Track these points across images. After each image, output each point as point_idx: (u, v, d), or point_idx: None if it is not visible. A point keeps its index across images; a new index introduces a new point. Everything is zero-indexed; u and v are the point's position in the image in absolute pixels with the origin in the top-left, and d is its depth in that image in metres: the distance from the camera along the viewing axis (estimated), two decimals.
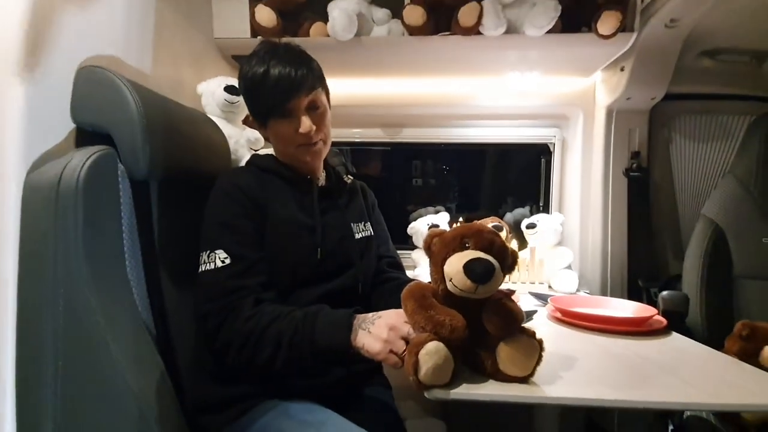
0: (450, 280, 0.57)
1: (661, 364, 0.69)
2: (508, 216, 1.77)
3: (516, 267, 0.63)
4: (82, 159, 0.61)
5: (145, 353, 0.63)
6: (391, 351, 0.61)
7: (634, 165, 1.38)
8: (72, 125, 0.71)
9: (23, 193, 0.61)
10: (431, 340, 0.54)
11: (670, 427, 1.09)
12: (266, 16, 1.12)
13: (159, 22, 0.94)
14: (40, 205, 0.60)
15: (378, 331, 0.63)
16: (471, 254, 0.57)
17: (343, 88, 1.36)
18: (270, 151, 0.92)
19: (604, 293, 1.40)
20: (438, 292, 0.61)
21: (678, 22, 1.08)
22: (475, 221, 0.67)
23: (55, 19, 0.66)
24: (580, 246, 1.47)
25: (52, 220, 0.59)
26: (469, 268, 0.55)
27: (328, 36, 1.15)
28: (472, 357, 0.60)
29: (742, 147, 1.21)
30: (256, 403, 0.72)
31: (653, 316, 0.89)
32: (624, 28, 1.08)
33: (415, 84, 1.45)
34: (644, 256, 1.38)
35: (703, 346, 0.79)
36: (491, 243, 0.59)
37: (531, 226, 1.42)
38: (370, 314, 0.67)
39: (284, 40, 0.84)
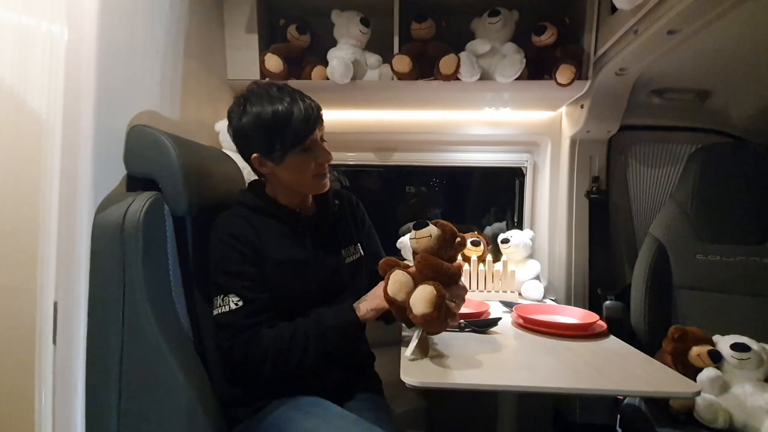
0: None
1: (598, 361, 0.88)
2: (488, 230, 1.97)
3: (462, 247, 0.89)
4: (141, 203, 0.78)
5: (189, 356, 0.80)
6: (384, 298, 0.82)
7: (594, 188, 1.58)
8: (123, 173, 0.88)
9: (93, 231, 0.78)
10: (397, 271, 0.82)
11: (618, 416, 1.29)
12: (274, 63, 1.29)
13: (185, 72, 1.11)
14: (108, 240, 0.76)
15: (374, 293, 0.88)
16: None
17: (340, 117, 1.55)
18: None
19: (568, 300, 1.60)
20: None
21: (626, 71, 1.27)
22: None
23: (113, 86, 0.83)
24: (549, 258, 1.66)
25: (119, 253, 0.76)
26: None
27: (328, 79, 1.33)
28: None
29: (682, 175, 1.42)
30: (271, 400, 0.88)
31: (596, 322, 1.08)
32: (579, 76, 1.28)
33: (404, 114, 1.63)
34: (603, 268, 1.58)
35: (632, 347, 0.98)
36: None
37: (505, 240, 1.61)
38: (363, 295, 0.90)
39: (289, 82, 0.96)
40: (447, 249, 0.85)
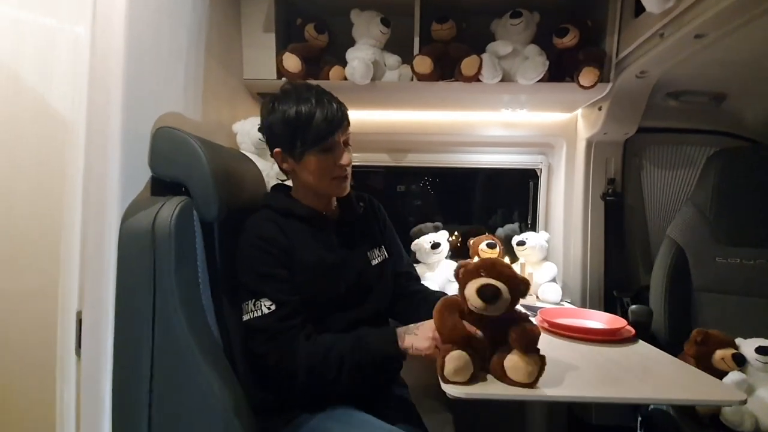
0: (468, 301, 0.75)
1: (630, 367, 0.87)
2: (500, 231, 1.96)
3: (528, 291, 0.78)
4: (171, 209, 0.76)
5: (222, 364, 0.78)
6: (436, 347, 0.77)
7: (610, 190, 1.58)
8: (148, 176, 0.85)
9: (120, 237, 0.75)
10: (455, 351, 0.71)
11: (639, 419, 1.28)
12: (293, 62, 1.27)
13: (206, 73, 1.08)
14: (138, 247, 0.74)
15: (424, 332, 0.80)
16: (483, 281, 0.74)
17: (354, 116, 1.51)
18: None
19: (583, 303, 1.60)
20: (465, 309, 0.78)
21: (647, 74, 1.27)
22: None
23: (139, 87, 0.81)
24: (563, 261, 1.66)
25: (149, 260, 0.73)
26: (480, 291, 0.73)
27: (346, 79, 1.31)
28: (486, 363, 0.78)
29: (700, 178, 1.42)
30: (304, 409, 0.86)
31: (624, 326, 1.07)
32: (601, 79, 1.27)
33: (419, 115, 1.62)
34: (618, 270, 1.58)
35: (664, 353, 0.97)
36: (500, 273, 0.76)
37: (521, 243, 1.60)
38: (412, 324, 0.84)
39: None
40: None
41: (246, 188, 1.03)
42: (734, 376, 1.08)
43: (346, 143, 0.92)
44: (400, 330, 0.83)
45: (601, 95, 1.33)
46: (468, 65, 1.24)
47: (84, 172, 0.73)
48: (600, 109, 1.45)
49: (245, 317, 0.84)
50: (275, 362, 0.82)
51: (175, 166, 0.83)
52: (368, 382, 0.87)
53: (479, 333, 0.76)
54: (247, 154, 1.20)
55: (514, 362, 0.73)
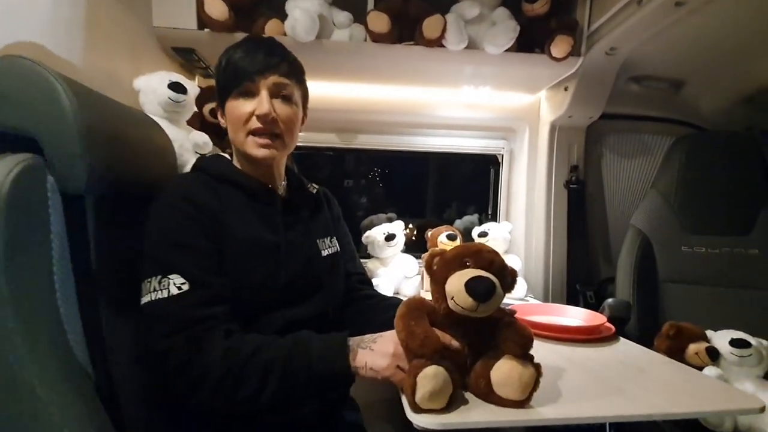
0: (452, 299, 0.56)
1: (626, 373, 0.74)
2: (458, 223, 1.82)
3: (515, 284, 0.63)
4: (3, 171, 0.49)
5: (84, 401, 0.53)
6: (397, 367, 0.58)
7: (573, 178, 1.49)
8: None
9: None
10: (431, 364, 0.52)
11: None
12: (218, 8, 1.02)
13: (92, 6, 0.81)
14: None
15: (383, 347, 0.60)
16: (472, 272, 0.56)
17: None
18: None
19: (546, 297, 1.50)
20: (439, 310, 0.59)
21: (616, 51, 1.18)
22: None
23: None
24: (525, 253, 1.55)
25: None
26: (470, 286, 0.55)
27: (285, 35, 1.09)
28: (466, 377, 0.59)
29: (663, 165, 1.37)
30: None
31: (603, 323, 0.96)
32: (572, 53, 1.16)
33: (371, 90, 1.42)
34: (581, 262, 1.50)
35: (653, 352, 0.87)
36: (491, 262, 0.59)
37: (483, 234, 1.46)
38: (368, 335, 0.63)
39: (237, 36, 0.78)
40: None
41: (146, 158, 0.77)
42: (710, 371, 1.01)
43: (278, 95, 0.74)
44: (352, 341, 0.63)
45: (571, 71, 1.22)
46: (430, 26, 1.07)
47: None
48: (566, 89, 1.35)
49: (144, 299, 0.62)
50: (176, 362, 0.59)
51: (21, 110, 0.56)
52: (299, 405, 0.65)
53: (456, 344, 0.58)
54: (155, 118, 0.93)
55: (503, 373, 0.55)
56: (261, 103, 0.71)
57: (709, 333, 1.09)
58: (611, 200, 1.60)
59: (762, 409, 0.61)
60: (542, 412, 0.56)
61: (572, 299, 1.48)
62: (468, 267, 0.58)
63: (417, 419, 0.53)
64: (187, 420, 0.65)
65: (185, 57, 1.16)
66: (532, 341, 0.57)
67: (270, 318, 0.71)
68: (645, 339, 1.16)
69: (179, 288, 0.62)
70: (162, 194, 0.70)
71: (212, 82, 1.28)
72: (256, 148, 0.73)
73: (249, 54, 0.72)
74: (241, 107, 0.72)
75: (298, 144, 1.49)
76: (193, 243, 0.66)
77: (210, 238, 0.67)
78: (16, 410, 0.47)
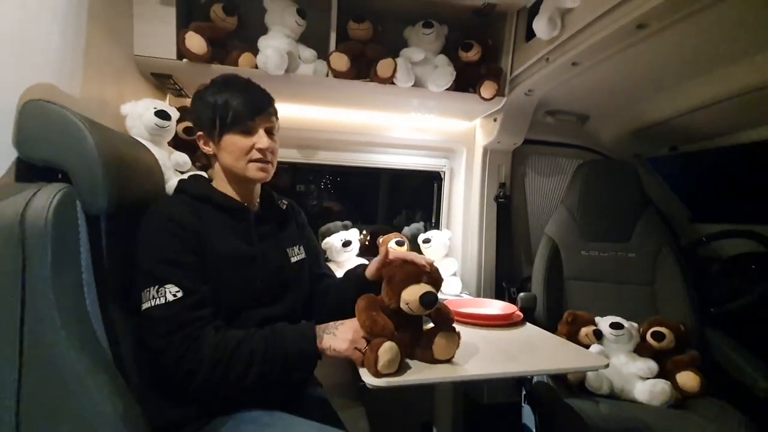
0: (407, 303, 0.78)
1: (520, 346, 0.99)
2: (406, 230, 2.05)
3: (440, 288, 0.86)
4: (47, 199, 0.62)
5: (114, 380, 0.66)
6: (355, 348, 0.77)
7: (501, 193, 1.77)
8: (12, 158, 0.69)
9: None
10: (386, 342, 0.73)
11: (524, 392, 1.47)
12: (197, 43, 1.15)
13: (88, 41, 0.92)
14: (1, 244, 0.60)
15: (343, 333, 0.79)
16: (425, 288, 0.79)
17: None
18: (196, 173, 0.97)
19: (479, 293, 1.76)
20: (387, 305, 0.80)
21: (533, 92, 1.46)
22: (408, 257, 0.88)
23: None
24: (462, 256, 1.81)
25: (16, 259, 0.59)
26: (423, 299, 0.77)
27: (257, 68, 1.24)
28: (410, 352, 0.82)
29: (569, 185, 1.68)
30: (210, 419, 0.79)
31: (515, 312, 1.21)
32: (498, 93, 1.42)
33: (331, 113, 1.61)
34: (507, 263, 1.78)
35: (545, 332, 1.13)
36: (437, 280, 0.82)
37: (426, 240, 1.70)
38: (331, 323, 0.82)
39: (213, 67, 0.95)
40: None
41: (140, 178, 0.91)
42: (594, 348, 1.31)
43: (269, 131, 0.92)
44: (318, 328, 0.81)
45: (497, 107, 1.48)
46: (384, 67, 1.28)
47: None
48: (495, 120, 1.62)
49: (145, 305, 0.75)
50: (176, 356, 0.73)
51: (50, 147, 0.69)
52: (279, 383, 0.82)
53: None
54: (140, 140, 1.05)
55: (441, 344, 0.79)
56: (261, 139, 0.88)
57: (597, 319, 1.40)
58: (532, 212, 1.91)
59: (606, 366, 0.87)
60: (461, 371, 0.79)
61: (499, 294, 1.76)
62: (422, 282, 0.80)
63: (377, 382, 0.73)
64: (180, 395, 0.79)
65: (162, 81, 1.28)
66: (453, 317, 0.84)
67: (248, 315, 0.86)
68: (552, 324, 1.45)
69: (174, 295, 0.75)
70: (150, 215, 0.82)
71: (183, 101, 1.43)
72: (256, 171, 0.90)
73: (245, 99, 0.87)
74: (241, 142, 0.88)
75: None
76: (182, 258, 0.79)
77: (194, 253, 0.80)
78: (65, 390, 0.61)
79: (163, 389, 0.79)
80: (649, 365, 1.26)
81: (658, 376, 1.26)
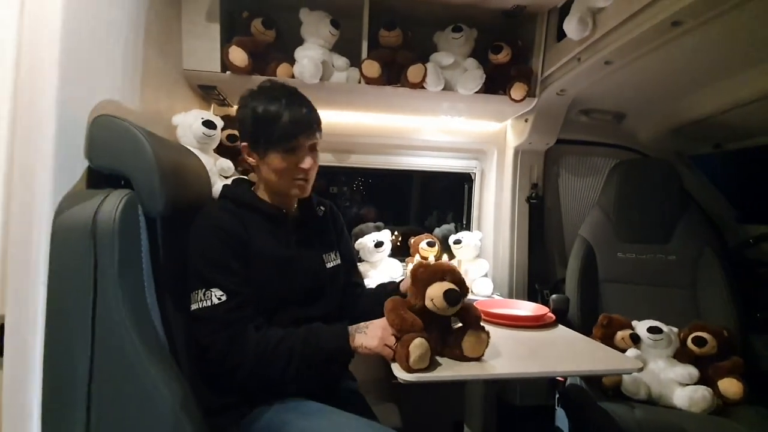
0: (431, 300, 0.80)
1: (553, 347, 0.99)
2: (437, 231, 2.07)
3: (466, 297, 0.87)
4: (114, 202, 0.71)
5: (167, 363, 0.74)
6: (385, 345, 0.81)
7: (534, 194, 1.76)
8: (83, 167, 0.78)
9: (54, 233, 0.68)
10: (417, 338, 0.77)
11: (557, 395, 1.45)
12: (239, 56, 1.23)
13: (144, 60, 1.02)
14: (75, 243, 0.68)
15: (373, 331, 0.83)
16: (448, 285, 0.81)
17: None
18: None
19: (510, 294, 1.76)
20: (413, 305, 0.83)
21: (565, 92, 1.45)
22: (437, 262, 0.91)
23: (75, 71, 0.74)
24: (493, 257, 1.81)
25: (89, 257, 0.68)
26: (447, 295, 0.80)
27: (293, 77, 1.31)
28: (439, 350, 0.85)
29: (604, 185, 1.65)
30: (255, 405, 0.86)
31: (546, 313, 1.21)
32: (528, 94, 1.42)
33: (364, 117, 1.66)
34: (539, 265, 1.76)
35: (579, 334, 1.12)
36: (459, 280, 0.84)
37: (457, 242, 1.71)
38: (362, 323, 0.86)
39: (254, 78, 0.98)
40: None
41: (191, 183, 0.99)
42: (631, 352, 1.29)
43: (313, 148, 0.94)
44: (351, 328, 0.86)
45: (528, 108, 1.48)
46: (414, 73, 1.31)
47: (10, 163, 0.66)
48: (526, 121, 1.61)
49: (193, 306, 0.82)
50: (221, 352, 0.80)
51: (116, 157, 0.78)
52: (316, 378, 0.88)
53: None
54: (190, 148, 1.14)
55: (470, 341, 0.82)
56: (305, 159, 0.91)
57: (633, 322, 1.37)
58: (566, 213, 1.88)
59: (640, 369, 0.86)
60: (491, 369, 0.82)
61: (532, 296, 1.74)
62: (445, 281, 0.83)
63: (409, 377, 0.77)
64: (225, 386, 0.86)
65: (207, 92, 1.37)
66: (481, 316, 0.85)
67: (286, 315, 0.91)
68: (586, 327, 1.43)
69: (219, 298, 0.82)
70: (200, 221, 0.88)
71: (227, 110, 1.52)
72: (299, 190, 0.94)
73: (291, 115, 0.87)
74: (285, 161, 0.89)
75: None
76: (227, 263, 0.85)
77: (238, 258, 0.86)
78: (127, 372, 0.69)
79: (211, 379, 0.87)
80: (690, 371, 1.22)
81: (698, 382, 1.22)
